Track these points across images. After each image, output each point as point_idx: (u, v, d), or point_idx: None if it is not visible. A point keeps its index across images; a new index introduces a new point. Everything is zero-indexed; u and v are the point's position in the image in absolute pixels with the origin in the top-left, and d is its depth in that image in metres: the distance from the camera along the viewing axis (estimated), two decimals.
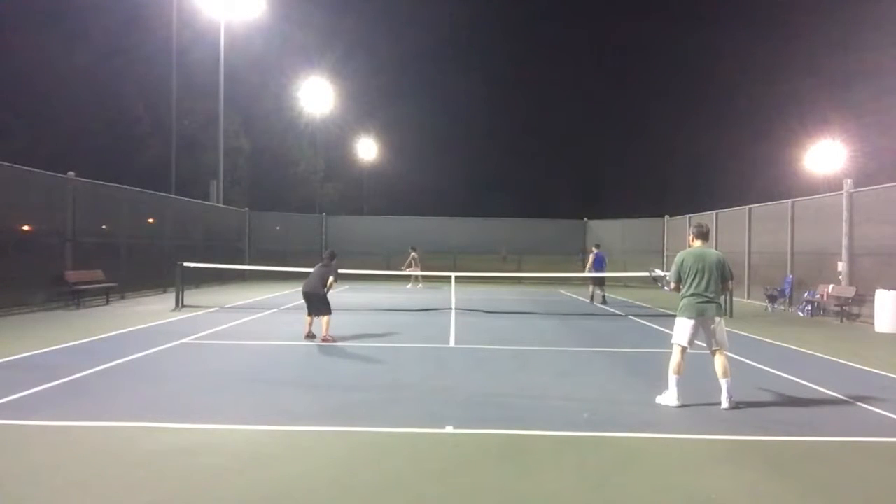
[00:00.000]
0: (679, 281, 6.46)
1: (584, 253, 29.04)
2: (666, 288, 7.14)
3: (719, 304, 6.37)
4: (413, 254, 23.08)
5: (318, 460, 4.70)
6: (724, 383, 6.21)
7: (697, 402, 6.36)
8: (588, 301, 18.27)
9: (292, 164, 50.74)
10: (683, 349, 6.36)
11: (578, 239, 29.31)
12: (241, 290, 20.86)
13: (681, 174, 70.42)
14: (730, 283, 6.53)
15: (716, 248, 22.24)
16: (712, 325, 6.28)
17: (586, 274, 18.30)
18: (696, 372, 7.07)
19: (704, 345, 6.45)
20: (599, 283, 18.28)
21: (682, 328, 6.37)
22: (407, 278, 23.55)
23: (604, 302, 17.91)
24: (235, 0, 27.42)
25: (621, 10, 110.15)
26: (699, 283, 6.27)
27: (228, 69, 28.75)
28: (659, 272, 8.03)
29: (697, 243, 6.57)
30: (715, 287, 6.28)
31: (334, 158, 55.43)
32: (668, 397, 6.31)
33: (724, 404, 6.16)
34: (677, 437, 5.36)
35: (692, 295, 6.29)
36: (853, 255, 14.49)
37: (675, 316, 6.56)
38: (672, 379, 6.31)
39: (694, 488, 4.26)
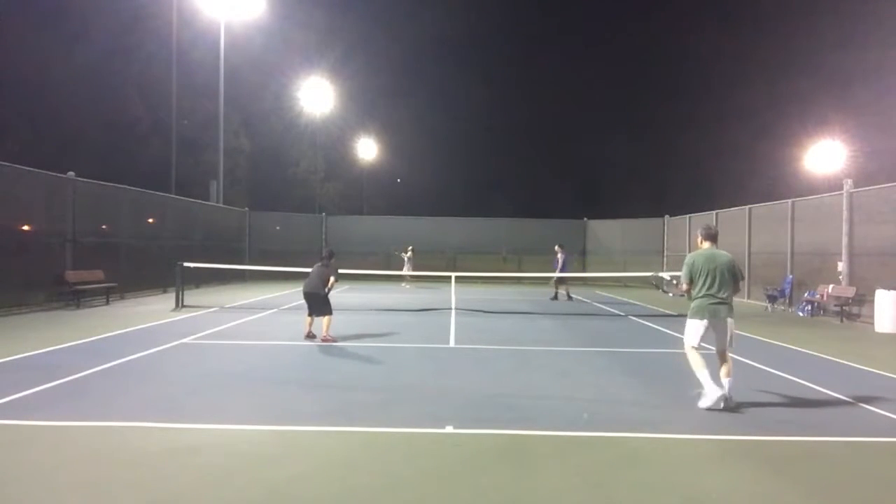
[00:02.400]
0: (690, 282, 6.40)
1: (583, 253, 29.15)
2: (671, 293, 7.12)
3: (730, 305, 6.33)
4: (409, 253, 23.36)
5: (318, 460, 4.70)
6: (726, 383, 6.20)
7: (694, 401, 6.35)
8: (567, 299, 18.75)
9: (292, 164, 50.81)
10: (696, 349, 6.34)
11: (578, 239, 29.30)
12: (241, 290, 20.86)
13: (681, 174, 70.40)
14: (741, 283, 6.49)
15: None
16: (724, 326, 6.25)
17: (571, 274, 18.85)
18: (692, 373, 7.06)
19: (707, 345, 6.45)
20: (564, 281, 19.24)
21: (694, 329, 6.33)
22: (402, 278, 23.71)
23: (555, 298, 18.76)
24: (235, 0, 27.42)
25: (622, 10, 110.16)
26: (711, 284, 6.23)
27: (228, 69, 28.76)
28: (664, 276, 7.93)
29: (706, 245, 6.52)
30: (727, 288, 6.26)
31: (334, 158, 55.48)
32: (710, 395, 6.11)
33: (724, 404, 6.16)
34: (677, 437, 5.36)
35: (705, 296, 6.25)
36: (853, 255, 14.49)
37: (674, 316, 6.57)
38: (703, 376, 6.18)
39: (694, 488, 4.26)
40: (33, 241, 14.65)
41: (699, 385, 6.69)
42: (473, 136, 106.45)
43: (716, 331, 6.27)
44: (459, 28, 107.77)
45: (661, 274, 8.46)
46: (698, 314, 6.28)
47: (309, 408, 6.12)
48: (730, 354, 6.37)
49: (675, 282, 6.98)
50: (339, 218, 32.10)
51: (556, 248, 18.97)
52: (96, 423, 5.42)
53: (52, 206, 14.82)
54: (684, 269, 6.50)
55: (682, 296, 6.66)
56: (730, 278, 6.27)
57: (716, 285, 6.22)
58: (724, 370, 6.26)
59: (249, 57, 39.96)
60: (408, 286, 23.66)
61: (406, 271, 22.90)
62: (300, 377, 7.59)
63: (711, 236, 6.58)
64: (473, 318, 13.86)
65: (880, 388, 7.34)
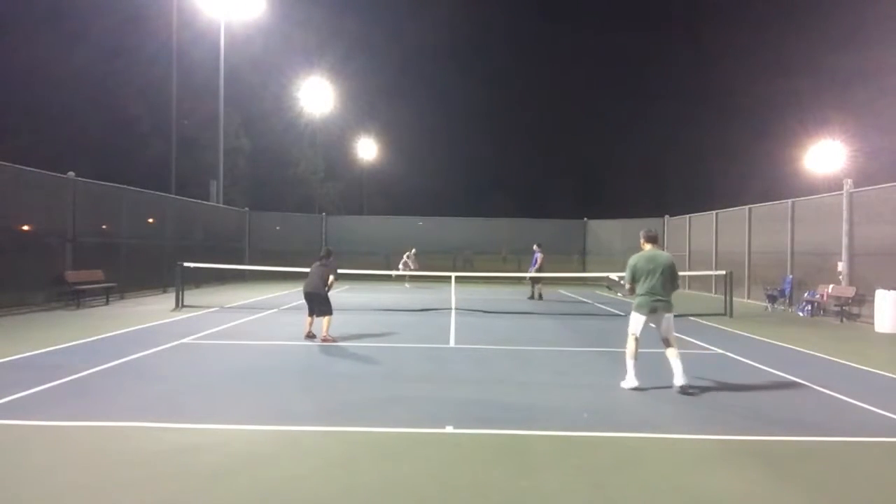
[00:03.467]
0: (634, 281, 6.98)
1: (583, 253, 29.14)
2: (620, 294, 7.60)
3: (669, 302, 6.90)
4: (411, 255, 23.45)
5: (318, 460, 4.70)
6: (676, 364, 6.74)
7: (695, 401, 6.37)
8: (530, 297, 18.82)
9: (292, 164, 50.75)
10: (637, 338, 6.93)
11: (578, 239, 29.30)
12: (241, 290, 20.86)
13: (681, 174, 70.39)
14: (678, 281, 7.09)
15: (716, 248, 22.29)
16: (662, 320, 6.87)
17: (535, 274, 18.83)
18: (692, 373, 7.09)
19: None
20: (538, 280, 19.22)
21: (636, 321, 6.99)
22: (403, 278, 23.76)
23: (540, 298, 18.86)
24: (235, 0, 27.42)
25: (622, 10, 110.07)
26: (652, 283, 6.81)
27: (228, 69, 28.75)
28: (614, 277, 8.30)
29: (648, 246, 7.09)
30: (666, 286, 6.84)
31: (334, 158, 55.46)
32: (629, 380, 6.87)
33: (680, 381, 6.64)
34: (677, 437, 5.36)
35: (646, 294, 6.85)
36: (853, 255, 14.49)
37: (674, 316, 6.74)
38: (630, 363, 6.88)
39: (694, 488, 4.26)
40: (33, 241, 14.64)
41: (697, 384, 6.76)
42: (473, 137, 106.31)
43: (657, 324, 6.90)
44: (460, 28, 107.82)
45: (610, 276, 8.63)
46: (641, 309, 6.91)
47: (309, 408, 6.12)
48: (674, 340, 6.98)
49: (622, 282, 7.43)
50: (339, 218, 32.11)
51: (535, 247, 19.01)
52: (96, 423, 5.42)
53: (52, 206, 14.81)
54: (628, 270, 7.07)
55: (627, 294, 7.26)
56: (669, 277, 6.85)
57: (657, 284, 6.80)
58: (671, 352, 6.88)
59: (249, 57, 39.99)
60: (409, 286, 23.71)
61: (406, 271, 22.92)
62: (300, 377, 7.58)
63: (652, 238, 7.17)
64: (473, 318, 13.86)
65: (880, 388, 7.35)
